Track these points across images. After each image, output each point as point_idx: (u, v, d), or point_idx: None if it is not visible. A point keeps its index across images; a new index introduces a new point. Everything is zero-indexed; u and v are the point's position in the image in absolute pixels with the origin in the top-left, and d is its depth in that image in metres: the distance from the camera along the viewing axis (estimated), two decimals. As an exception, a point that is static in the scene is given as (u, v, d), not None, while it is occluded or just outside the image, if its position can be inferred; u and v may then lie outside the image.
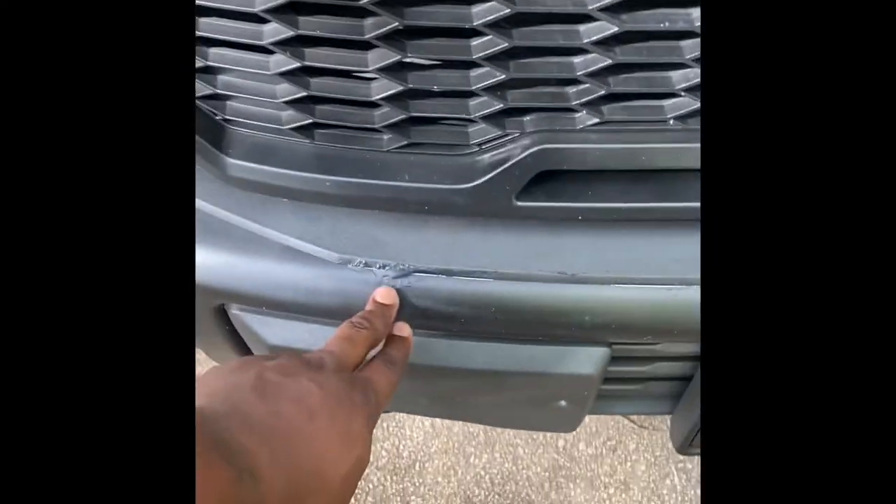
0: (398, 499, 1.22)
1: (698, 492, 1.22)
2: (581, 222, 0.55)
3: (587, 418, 1.23)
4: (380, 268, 0.56)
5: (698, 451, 0.75)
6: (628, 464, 1.25)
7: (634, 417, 1.29)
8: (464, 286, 0.57)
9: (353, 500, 1.16)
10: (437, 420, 1.30)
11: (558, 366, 0.59)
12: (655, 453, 1.26)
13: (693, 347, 0.63)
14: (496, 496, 1.23)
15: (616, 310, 0.57)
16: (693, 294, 0.56)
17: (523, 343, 0.60)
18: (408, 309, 0.57)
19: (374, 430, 1.25)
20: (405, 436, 1.29)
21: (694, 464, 1.25)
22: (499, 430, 1.29)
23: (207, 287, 0.58)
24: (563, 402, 0.65)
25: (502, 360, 0.60)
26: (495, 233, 0.57)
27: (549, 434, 1.28)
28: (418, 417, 1.31)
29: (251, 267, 0.58)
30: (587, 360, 0.59)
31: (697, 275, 0.55)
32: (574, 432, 1.22)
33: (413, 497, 1.22)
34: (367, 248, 0.57)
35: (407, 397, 0.70)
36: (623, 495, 1.22)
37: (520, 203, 0.53)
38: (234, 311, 0.61)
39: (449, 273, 0.56)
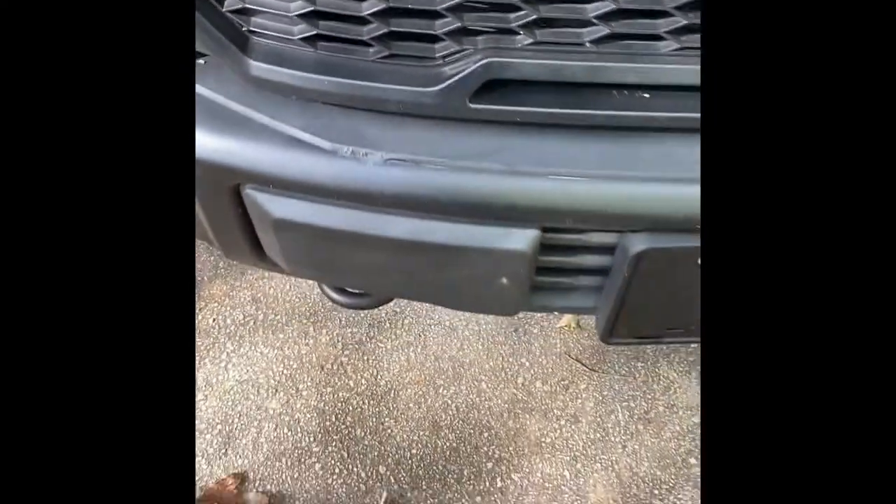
0: (374, 419, 1.37)
1: (639, 426, 1.38)
2: (521, 125, 0.71)
3: (544, 360, 1.39)
4: (363, 155, 0.72)
5: (619, 340, 0.90)
6: (578, 401, 1.41)
7: (586, 361, 1.45)
8: (428, 174, 0.73)
9: (332, 417, 1.32)
10: (412, 353, 1.46)
11: (499, 242, 0.75)
12: (603, 393, 1.42)
13: (610, 238, 0.79)
14: (460, 422, 1.38)
15: (546, 198, 0.73)
16: (606, 187, 0.72)
17: (473, 224, 0.76)
18: (383, 191, 0.73)
19: (356, 362, 1.40)
20: (383, 367, 1.45)
21: (637, 402, 1.41)
22: (466, 365, 1.44)
23: (228, 167, 0.74)
24: (504, 280, 0.80)
25: (455, 235, 0.76)
26: (455, 132, 0.73)
27: (509, 371, 1.43)
28: (395, 352, 1.47)
29: (263, 151, 0.74)
30: (522, 238, 0.75)
31: (610, 170, 0.71)
32: (531, 373, 1.39)
33: (387, 419, 1.38)
34: (355, 139, 0.73)
35: (377, 274, 0.85)
36: (572, 426, 1.38)
37: (473, 105, 0.69)
38: (247, 191, 0.77)
39: (417, 163, 0.73)
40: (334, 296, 1.03)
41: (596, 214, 0.74)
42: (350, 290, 1.06)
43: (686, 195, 0.70)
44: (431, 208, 0.75)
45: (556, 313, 1.52)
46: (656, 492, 1.29)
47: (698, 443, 1.36)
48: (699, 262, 0.79)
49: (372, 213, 0.76)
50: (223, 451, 1.33)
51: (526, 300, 0.88)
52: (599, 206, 0.74)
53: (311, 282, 1.57)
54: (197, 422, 1.32)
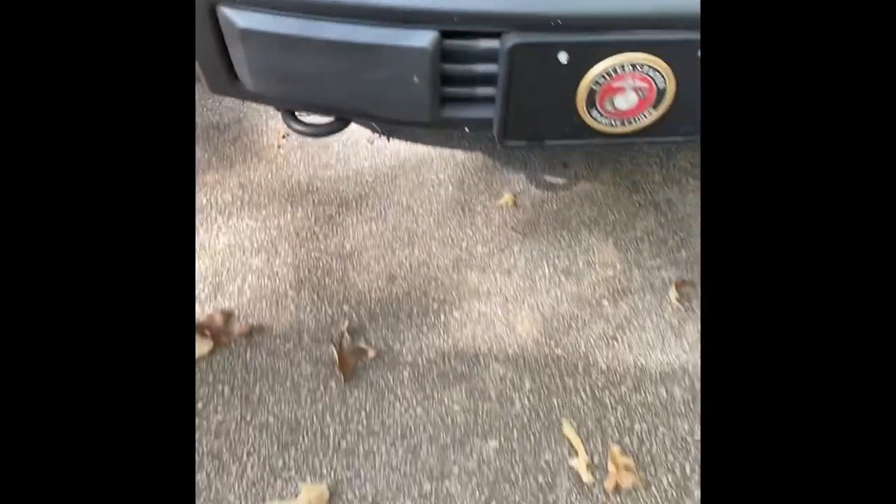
0: (340, 272, 1.64)
1: (562, 277, 1.64)
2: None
3: (485, 230, 1.66)
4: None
5: (513, 142, 1.17)
6: (512, 259, 1.67)
7: (520, 230, 1.72)
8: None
9: (306, 270, 1.59)
10: (374, 225, 1.73)
11: (407, 40, 1.03)
12: (533, 253, 1.68)
13: (494, 44, 1.06)
14: (412, 274, 1.64)
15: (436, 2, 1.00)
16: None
17: (386, 27, 1.03)
18: (321, 1, 1.00)
19: (326, 231, 1.67)
20: (349, 235, 1.71)
21: (561, 259, 1.67)
22: (419, 234, 1.71)
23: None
24: (416, 79, 1.07)
25: (374, 35, 1.03)
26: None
27: (455, 238, 1.70)
28: (359, 224, 1.73)
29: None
30: (423, 37, 1.02)
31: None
32: (474, 240, 1.65)
33: (351, 272, 1.64)
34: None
35: (320, 80, 1.12)
36: (506, 278, 1.64)
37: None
38: (220, 7, 1.05)
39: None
40: (295, 125, 1.31)
41: (473, 15, 1.02)
42: (305, 117, 1.33)
43: None
44: (355, 14, 1.03)
45: (495, 199, 1.79)
46: (574, 325, 1.55)
47: (612, 290, 1.62)
48: (563, 59, 1.05)
49: (313, 20, 1.04)
50: (213, 296, 1.60)
51: (437, 111, 1.15)
52: (475, 6, 1.01)
53: (289, 171, 1.84)
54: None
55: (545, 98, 1.11)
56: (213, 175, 1.85)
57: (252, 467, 1.35)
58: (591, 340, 1.53)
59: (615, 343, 1.53)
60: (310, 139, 1.94)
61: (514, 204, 1.78)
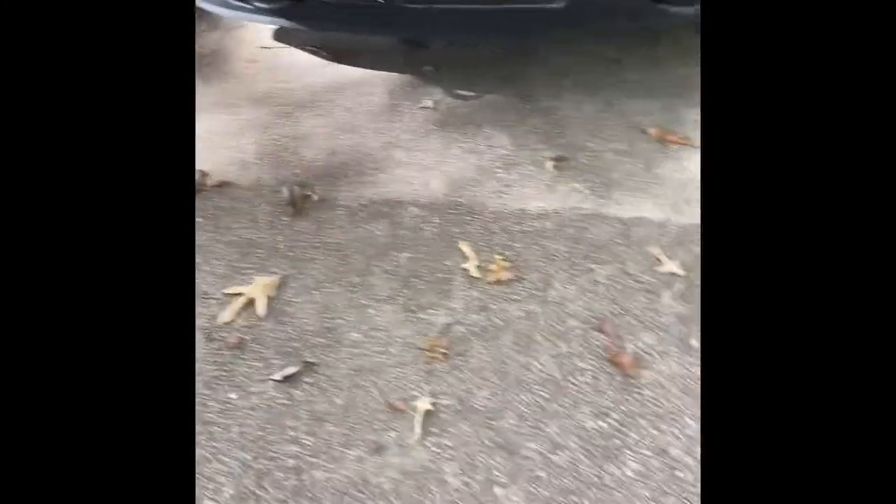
0: (293, 150, 2.10)
1: (467, 155, 2.11)
2: None
3: (413, 124, 2.13)
4: None
5: None
6: (429, 143, 2.14)
7: (437, 124, 2.19)
8: None
9: (266, 148, 2.05)
10: (322, 119, 2.19)
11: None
12: (446, 140, 2.16)
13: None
14: (351, 150, 2.11)
15: None
16: None
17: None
18: None
19: (283, 122, 2.13)
20: (301, 126, 2.18)
21: (466, 145, 2.14)
22: (357, 125, 2.18)
23: None
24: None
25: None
26: None
27: (387, 129, 2.17)
28: (311, 118, 2.20)
29: None
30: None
31: None
32: (401, 130, 2.12)
33: (302, 150, 2.10)
34: None
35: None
36: (424, 155, 2.11)
37: None
38: None
39: None
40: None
41: None
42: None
43: None
44: None
45: (418, 104, 2.27)
46: (474, 184, 2.02)
47: (505, 163, 2.09)
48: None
49: None
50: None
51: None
52: None
53: (256, 84, 2.31)
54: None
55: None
56: (197, 87, 2.31)
57: (221, 268, 1.78)
58: (487, 193, 2.00)
59: (504, 195, 1.99)
60: (273, 61, 2.41)
61: (433, 108, 2.27)
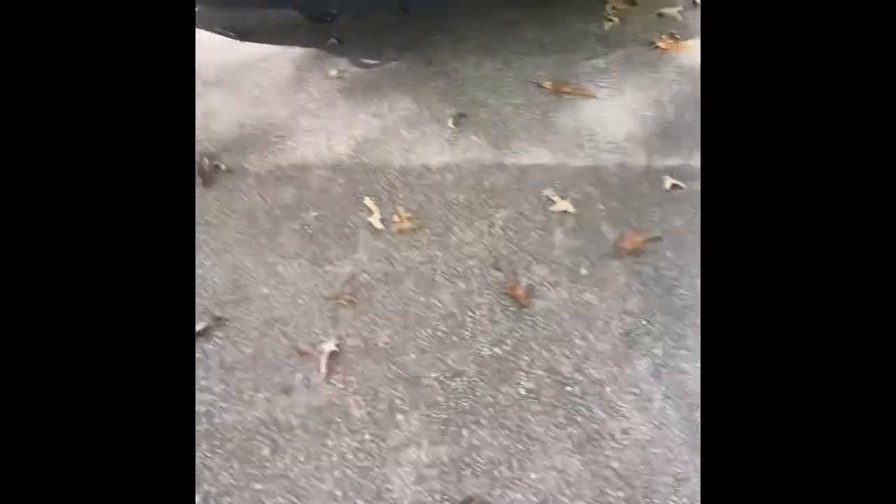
0: (202, 125, 2.16)
1: (372, 119, 2.19)
2: None
3: (316, 94, 2.20)
4: None
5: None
6: (335, 110, 2.22)
7: (342, 92, 2.27)
8: None
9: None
10: (228, 96, 2.25)
11: None
12: (352, 107, 2.24)
13: None
14: (258, 122, 2.17)
15: None
16: None
17: None
18: None
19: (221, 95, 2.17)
20: (209, 103, 2.23)
21: (371, 110, 2.23)
22: (265, 97, 2.24)
23: None
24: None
25: None
26: None
27: (292, 99, 2.24)
28: (218, 95, 2.25)
29: None
30: None
31: None
32: (307, 99, 2.19)
33: (210, 124, 2.16)
34: None
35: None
36: (330, 121, 2.18)
37: None
38: None
39: None
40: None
41: None
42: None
43: None
44: None
45: (324, 74, 2.34)
46: (378, 145, 2.10)
47: (408, 123, 2.18)
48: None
49: None
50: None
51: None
52: None
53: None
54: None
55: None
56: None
57: (133, 240, 1.84)
58: (391, 152, 2.08)
59: (407, 154, 2.08)
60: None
61: (339, 77, 2.35)
